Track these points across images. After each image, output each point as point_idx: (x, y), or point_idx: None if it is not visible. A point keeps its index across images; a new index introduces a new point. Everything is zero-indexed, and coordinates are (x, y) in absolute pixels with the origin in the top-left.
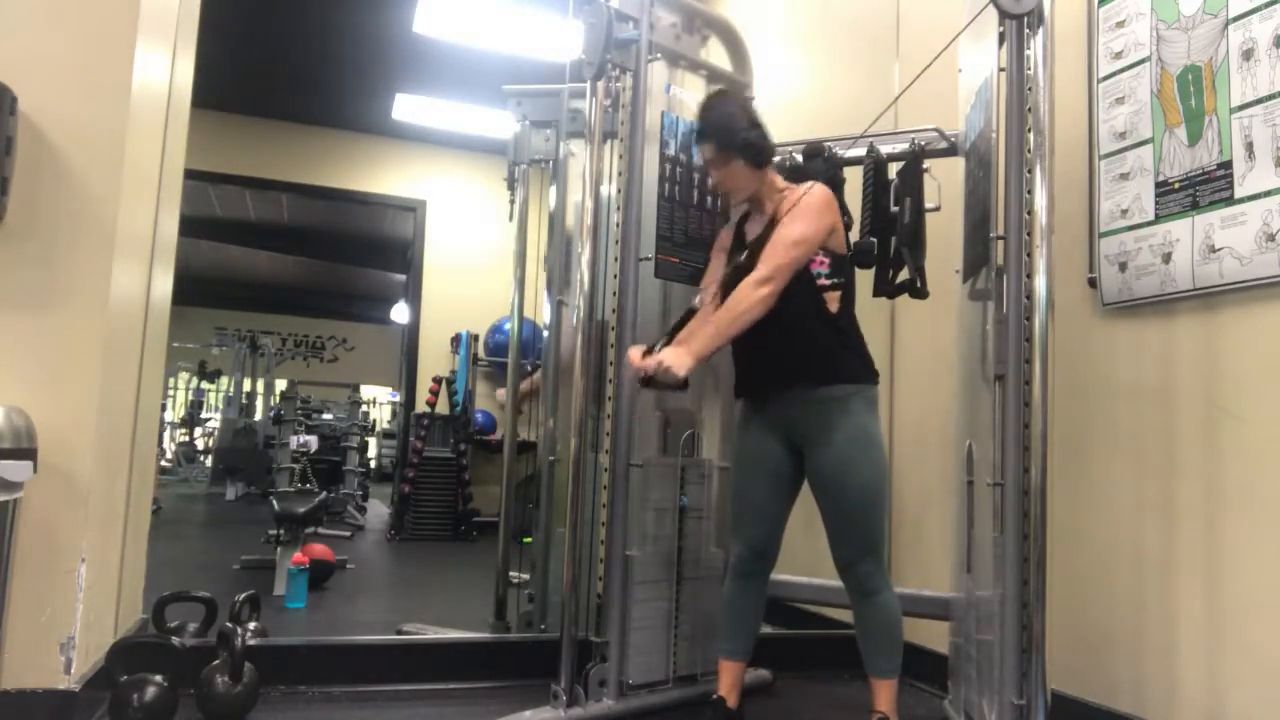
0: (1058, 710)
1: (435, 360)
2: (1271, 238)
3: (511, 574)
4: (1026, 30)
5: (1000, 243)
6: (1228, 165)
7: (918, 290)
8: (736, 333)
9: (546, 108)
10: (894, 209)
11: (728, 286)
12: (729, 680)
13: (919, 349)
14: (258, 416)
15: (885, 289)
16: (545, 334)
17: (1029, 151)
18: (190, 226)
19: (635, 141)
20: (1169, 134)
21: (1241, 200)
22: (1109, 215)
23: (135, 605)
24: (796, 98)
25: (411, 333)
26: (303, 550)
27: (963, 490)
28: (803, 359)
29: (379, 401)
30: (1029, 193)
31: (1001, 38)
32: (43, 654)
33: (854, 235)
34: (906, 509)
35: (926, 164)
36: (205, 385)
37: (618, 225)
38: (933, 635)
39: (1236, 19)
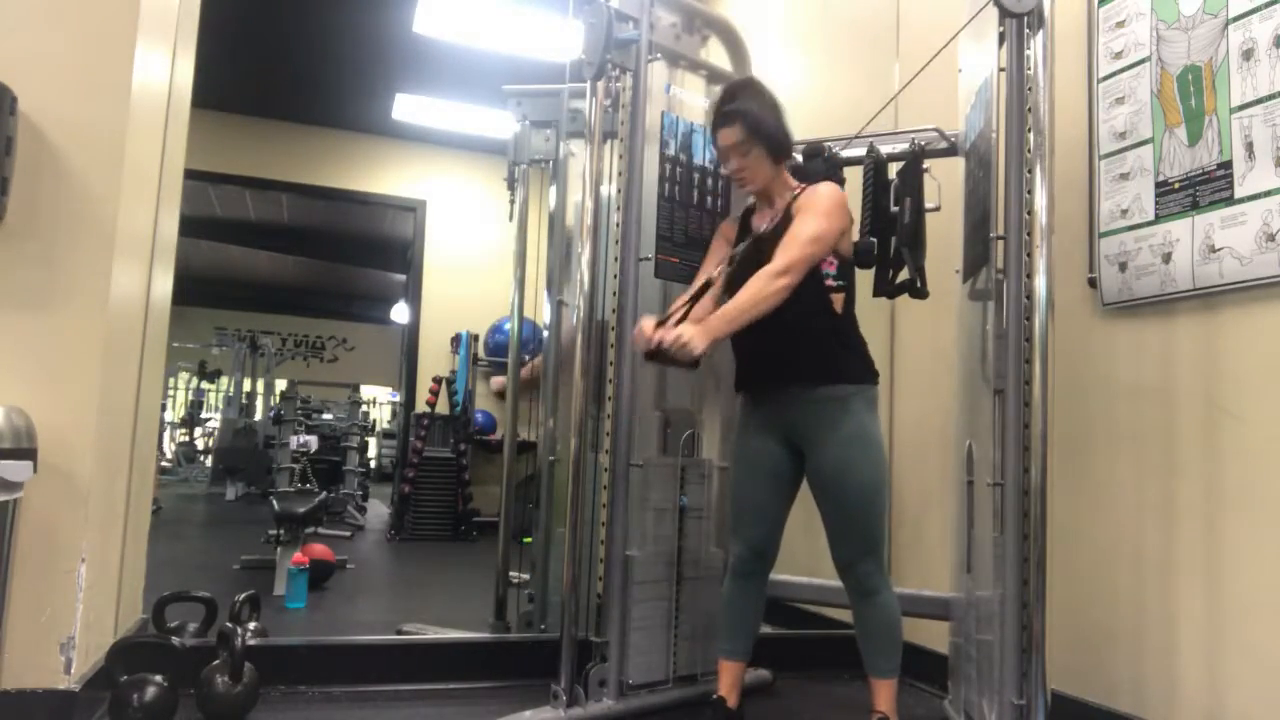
0: (1058, 710)
1: (435, 360)
2: (1271, 238)
3: (511, 574)
4: (1026, 30)
5: (1000, 243)
6: (1228, 165)
7: (918, 290)
8: (750, 320)
9: (546, 108)
10: (894, 209)
11: (736, 275)
12: (729, 680)
13: (919, 349)
14: (258, 416)
15: (885, 289)
16: (545, 334)
17: (1029, 151)
18: (190, 226)
19: (635, 141)
20: (1169, 134)
21: (1241, 200)
22: (1109, 215)
23: (135, 605)
24: (796, 98)
25: (411, 333)
26: (303, 550)
27: (963, 490)
28: (806, 358)
29: (379, 401)
30: (1029, 193)
31: (1001, 38)
32: (43, 654)
33: (854, 235)
34: (906, 509)
35: (926, 164)
36: (205, 385)
37: (618, 225)
38: (933, 635)
39: (1236, 19)
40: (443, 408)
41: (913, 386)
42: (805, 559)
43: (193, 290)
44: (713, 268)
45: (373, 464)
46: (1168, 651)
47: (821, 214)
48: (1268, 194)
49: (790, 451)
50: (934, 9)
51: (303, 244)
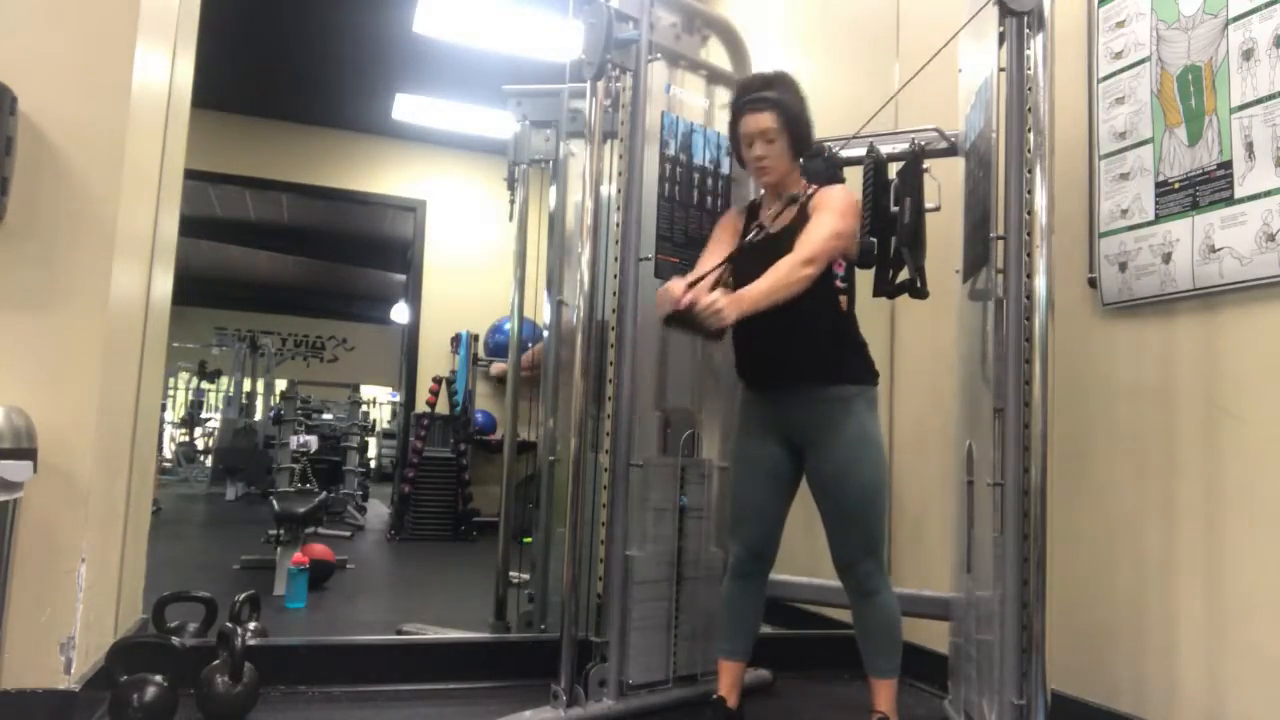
0: (1058, 710)
1: (435, 360)
2: (1271, 238)
3: (511, 574)
4: (1026, 30)
5: (1000, 243)
6: (1228, 165)
7: (918, 290)
8: (773, 304)
9: (546, 108)
10: (894, 209)
11: (746, 266)
12: (729, 680)
13: (919, 349)
14: (258, 416)
15: (885, 289)
16: (545, 334)
17: (1029, 151)
18: (190, 226)
19: (635, 141)
20: (1169, 134)
21: (1241, 200)
22: (1109, 215)
23: (135, 605)
24: None
25: (411, 333)
26: (303, 550)
27: (963, 490)
28: (812, 358)
29: (379, 401)
30: (1029, 193)
31: (1001, 37)
32: (43, 654)
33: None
34: (906, 509)
35: (926, 164)
36: (205, 385)
37: (618, 225)
38: (933, 635)
39: (1236, 19)
40: (443, 408)
41: (913, 386)
42: (805, 559)
43: (193, 290)
44: (719, 255)
45: (373, 464)
46: (1168, 651)
47: (839, 213)
48: (1268, 194)
49: (790, 452)
50: (934, 9)
51: (303, 244)
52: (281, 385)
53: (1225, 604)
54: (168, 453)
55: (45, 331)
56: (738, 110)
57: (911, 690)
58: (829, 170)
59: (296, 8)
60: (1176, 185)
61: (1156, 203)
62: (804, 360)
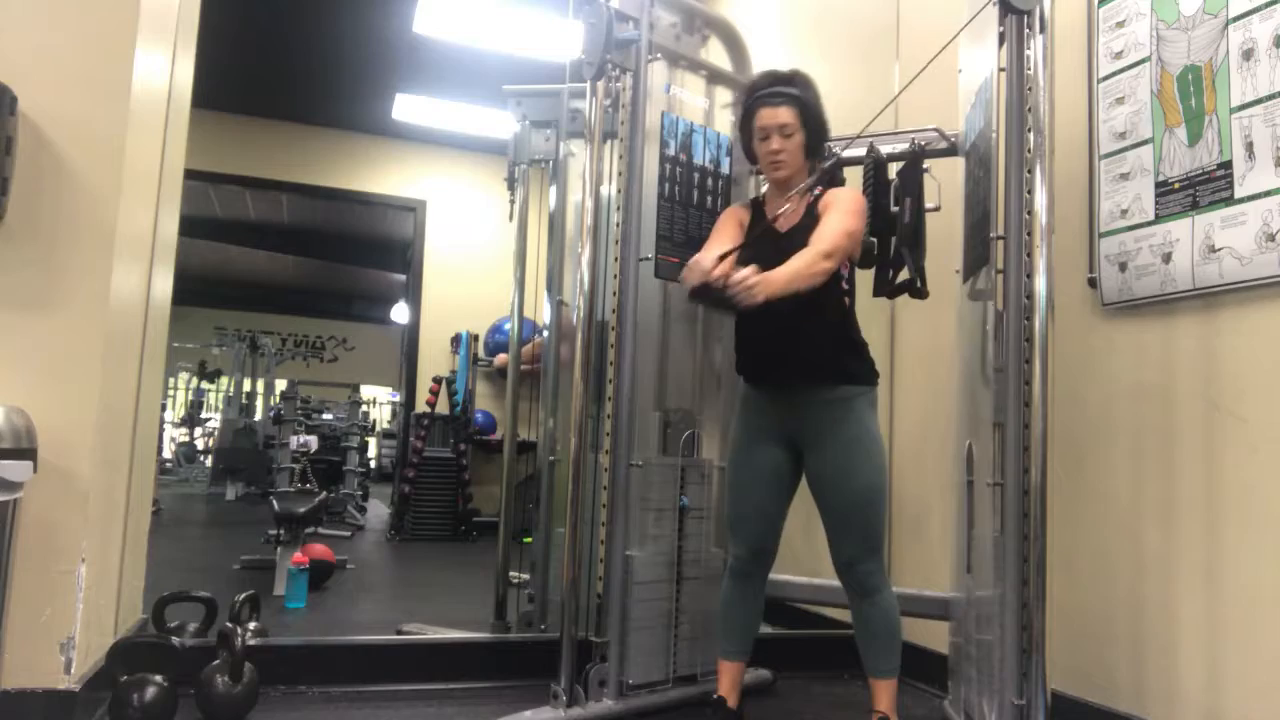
0: (1058, 710)
1: (435, 360)
2: (1271, 238)
3: (511, 574)
4: (1026, 30)
5: (1000, 243)
6: (1228, 165)
7: (918, 290)
8: (794, 291)
9: (546, 108)
10: (894, 209)
11: (753, 260)
12: (729, 680)
13: (919, 349)
14: (258, 416)
15: (885, 289)
16: (545, 334)
17: (1029, 151)
18: (190, 226)
19: (635, 141)
20: (1169, 134)
21: (1241, 200)
22: (1109, 215)
23: (135, 605)
24: None
25: (411, 333)
26: (303, 550)
27: (963, 490)
28: (816, 358)
29: (379, 401)
30: (1029, 193)
31: (1001, 37)
32: (43, 654)
33: None
34: (906, 509)
35: (926, 164)
36: (205, 385)
37: (618, 225)
38: (933, 635)
39: (1236, 19)
40: (443, 408)
41: (913, 386)
42: (805, 559)
43: (193, 290)
44: (727, 243)
45: (373, 464)
46: (1168, 651)
47: (851, 213)
48: (1268, 194)
49: (790, 452)
50: (934, 9)
51: (303, 244)
52: (281, 385)
53: (1225, 604)
54: (168, 453)
55: (45, 332)
56: (754, 102)
57: (911, 690)
58: (831, 170)
59: (296, 8)
60: (1176, 185)
61: (1156, 203)
62: (808, 360)
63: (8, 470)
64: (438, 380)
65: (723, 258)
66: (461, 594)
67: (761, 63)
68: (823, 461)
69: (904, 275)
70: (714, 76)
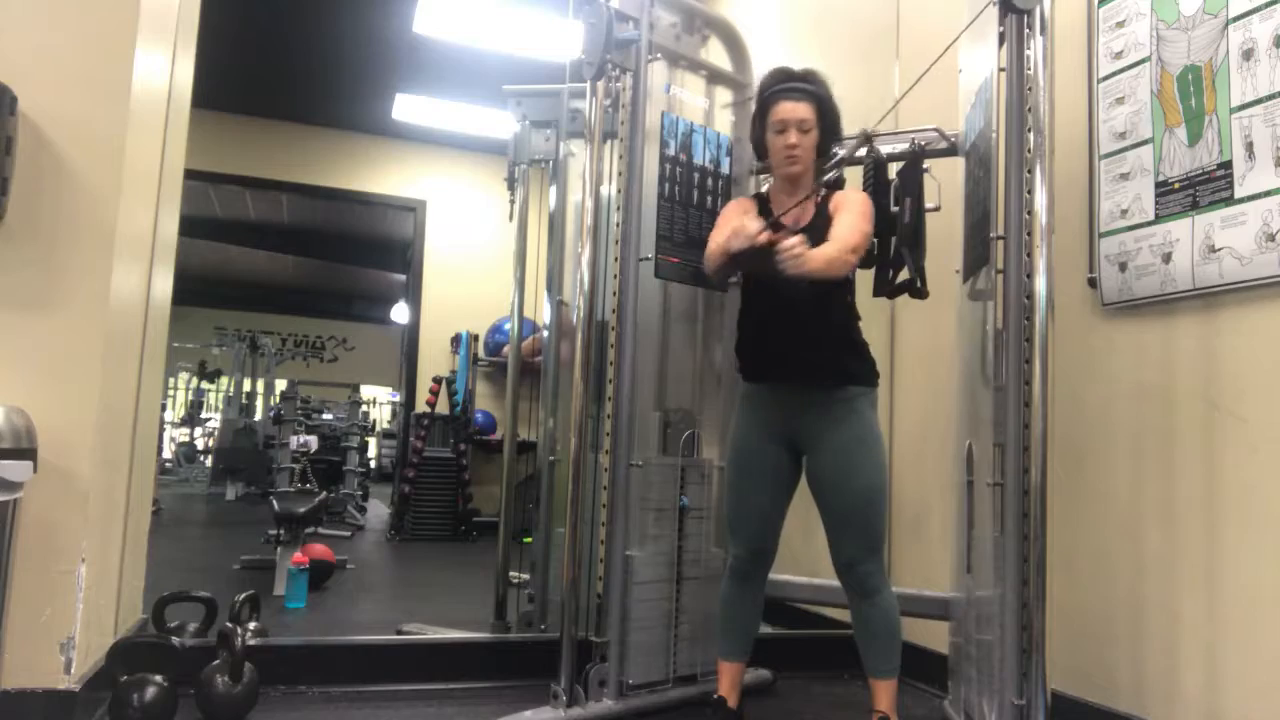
0: (1058, 710)
1: (435, 360)
2: (1271, 238)
3: (511, 574)
4: (1026, 30)
5: (1000, 243)
6: (1228, 165)
7: (918, 290)
8: (830, 275)
9: (546, 108)
10: (894, 209)
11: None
12: (729, 680)
13: (919, 349)
14: (258, 416)
15: (885, 289)
16: (545, 334)
17: (1029, 151)
18: (190, 226)
19: (635, 141)
20: (1169, 134)
21: (1241, 200)
22: (1109, 215)
23: (135, 605)
24: None
25: (411, 333)
26: (303, 550)
27: (963, 490)
28: (819, 358)
29: (379, 401)
30: (1029, 193)
31: (1001, 37)
32: (43, 654)
33: None
34: (906, 509)
35: (926, 164)
36: (205, 385)
37: (618, 225)
38: (933, 635)
39: (1236, 19)
40: (443, 408)
41: (913, 386)
42: (805, 559)
43: (193, 290)
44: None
45: (373, 464)
46: (1168, 651)
47: (863, 215)
48: (1268, 194)
49: (790, 451)
50: (934, 9)
51: (303, 244)
52: (281, 385)
53: (1225, 604)
54: (168, 453)
55: (45, 332)
56: (773, 95)
57: (911, 690)
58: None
59: (296, 8)
60: (1176, 185)
61: (1156, 203)
62: (809, 360)
63: (8, 470)
64: (438, 380)
65: (767, 227)
66: (461, 594)
67: (761, 63)
68: (823, 462)
69: (904, 275)
70: (714, 76)
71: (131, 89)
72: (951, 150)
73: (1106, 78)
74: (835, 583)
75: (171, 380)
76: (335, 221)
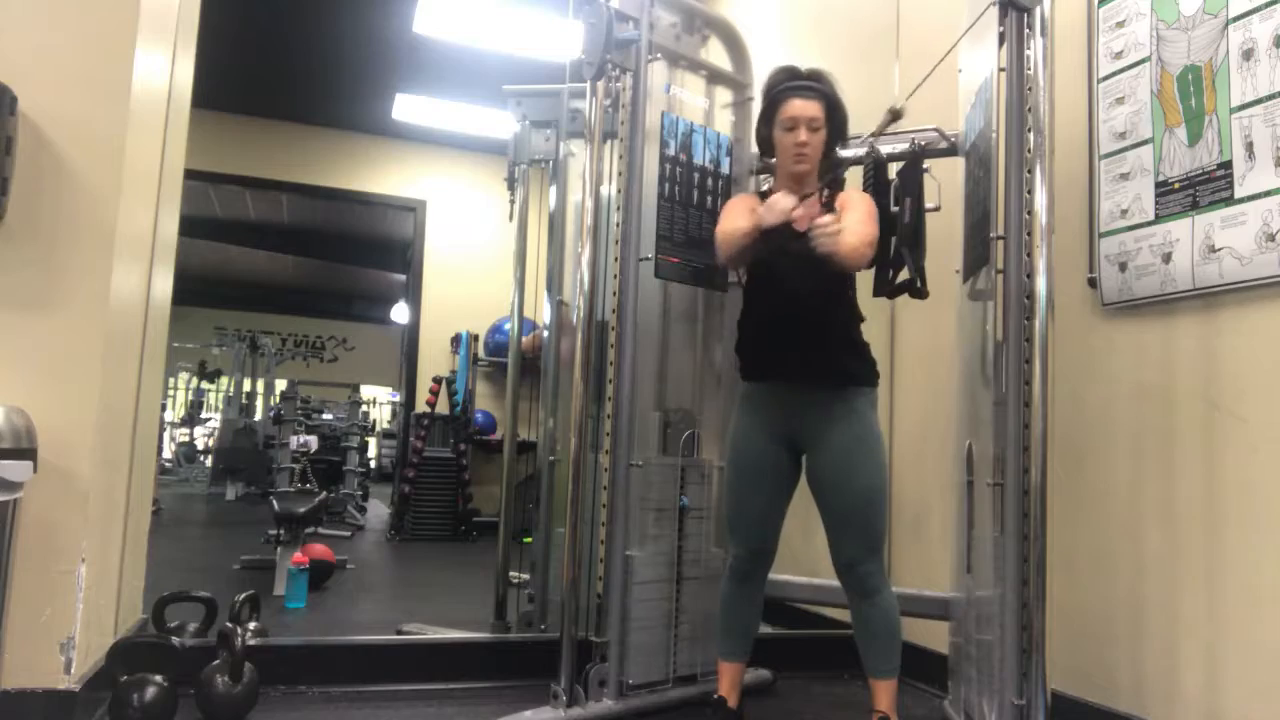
0: (1058, 710)
1: (435, 360)
2: (1271, 238)
3: (511, 574)
4: (1026, 30)
5: (1000, 243)
6: (1228, 165)
7: (918, 290)
8: (852, 262)
9: (546, 108)
10: (894, 209)
11: (779, 247)
12: (729, 680)
13: (919, 349)
14: (258, 416)
15: (885, 289)
16: (545, 334)
17: (1029, 151)
18: (190, 226)
19: (635, 141)
20: (1169, 134)
21: (1241, 200)
22: (1109, 215)
23: (135, 605)
24: None
25: (411, 333)
26: (303, 550)
27: (963, 490)
28: (822, 358)
29: (379, 401)
30: (1029, 193)
31: (1001, 37)
32: (43, 654)
33: None
34: (906, 509)
35: (926, 164)
36: (205, 385)
37: (618, 225)
38: (933, 635)
39: (1236, 19)
40: (443, 408)
41: (913, 386)
42: (805, 559)
43: (193, 290)
44: (749, 218)
45: (373, 464)
46: (1168, 651)
47: (871, 217)
48: (1268, 194)
49: (789, 452)
50: (934, 9)
51: (303, 244)
52: (281, 385)
53: (1225, 603)
54: (168, 453)
55: (45, 332)
56: (784, 92)
57: (911, 690)
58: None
59: (296, 8)
60: (1176, 185)
61: (1156, 203)
62: (810, 360)
63: (8, 470)
64: (438, 380)
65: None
66: (461, 594)
67: (761, 63)
68: (823, 462)
69: (904, 275)
70: (714, 76)
71: (131, 89)
72: (951, 150)
73: (1106, 78)
74: (835, 583)
75: (171, 380)
76: (335, 221)
